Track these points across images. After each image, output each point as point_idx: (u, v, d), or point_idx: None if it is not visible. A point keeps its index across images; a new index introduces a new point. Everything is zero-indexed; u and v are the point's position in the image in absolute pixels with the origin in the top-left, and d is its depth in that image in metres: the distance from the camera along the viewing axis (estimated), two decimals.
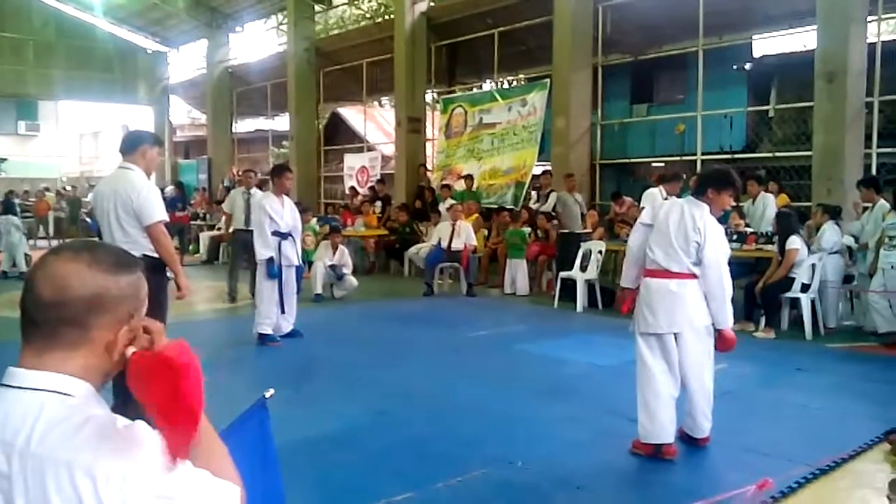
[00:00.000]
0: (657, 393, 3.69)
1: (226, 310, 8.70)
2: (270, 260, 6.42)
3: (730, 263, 3.81)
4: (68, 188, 22.09)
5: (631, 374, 3.92)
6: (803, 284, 6.88)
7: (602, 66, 11.86)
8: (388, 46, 14.21)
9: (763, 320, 6.99)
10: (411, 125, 13.88)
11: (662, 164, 12.48)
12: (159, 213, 4.02)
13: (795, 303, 7.01)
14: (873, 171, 8.70)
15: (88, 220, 16.89)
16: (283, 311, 6.54)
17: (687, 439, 3.86)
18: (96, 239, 4.12)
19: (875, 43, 8.74)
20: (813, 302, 6.90)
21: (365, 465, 3.61)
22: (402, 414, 4.48)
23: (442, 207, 11.34)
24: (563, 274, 8.75)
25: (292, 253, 6.60)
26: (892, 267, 6.49)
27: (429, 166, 14.36)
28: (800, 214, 7.91)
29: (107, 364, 1.10)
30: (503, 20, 12.69)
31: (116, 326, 1.09)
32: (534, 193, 11.69)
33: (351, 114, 20.73)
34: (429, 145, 14.77)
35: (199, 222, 15.94)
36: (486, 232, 11.06)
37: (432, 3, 14.35)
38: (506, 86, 16.03)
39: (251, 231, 7.23)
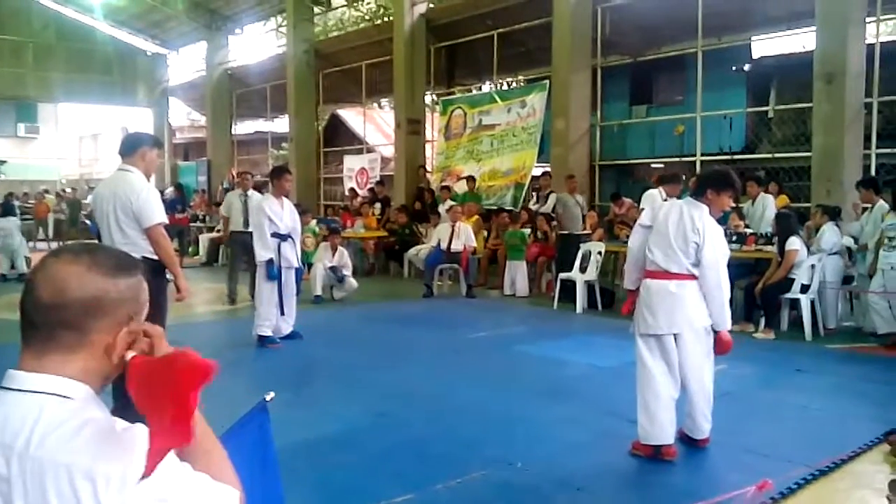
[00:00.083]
0: (657, 394, 3.69)
1: (225, 312, 8.70)
2: (270, 262, 6.42)
3: (729, 265, 3.81)
4: (68, 190, 22.06)
5: (631, 376, 3.92)
6: (803, 285, 6.88)
7: (601, 67, 11.86)
8: (387, 48, 14.21)
9: (763, 321, 6.99)
10: (411, 127, 13.89)
11: (662, 165, 12.48)
12: (159, 215, 4.03)
13: (795, 304, 7.01)
14: (872, 172, 8.70)
15: (88, 222, 16.88)
16: (282, 313, 6.54)
17: (687, 440, 3.86)
18: (96, 241, 4.13)
19: (874, 44, 8.75)
20: (812, 303, 6.90)
21: (365, 466, 3.61)
22: (401, 415, 4.48)
23: (441, 209, 11.34)
24: (562, 275, 8.75)
25: (292, 255, 6.60)
26: (892, 268, 6.48)
27: (428, 168, 14.37)
28: (799, 215, 7.91)
29: (106, 367, 1.10)
30: (502, 22, 12.70)
31: (115, 329, 1.09)
32: (533, 194, 11.69)
33: (350, 115, 20.74)
34: (428, 147, 14.77)
35: (198, 224, 15.94)
36: (485, 233, 11.07)
37: (431, 5, 14.36)
38: (505, 87, 16.05)
39: (249, 233, 7.23)
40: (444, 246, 9.77)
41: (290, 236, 6.58)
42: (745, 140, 12.68)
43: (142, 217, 3.96)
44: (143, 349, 1.11)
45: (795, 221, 7.15)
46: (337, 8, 19.22)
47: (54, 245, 16.31)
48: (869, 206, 7.19)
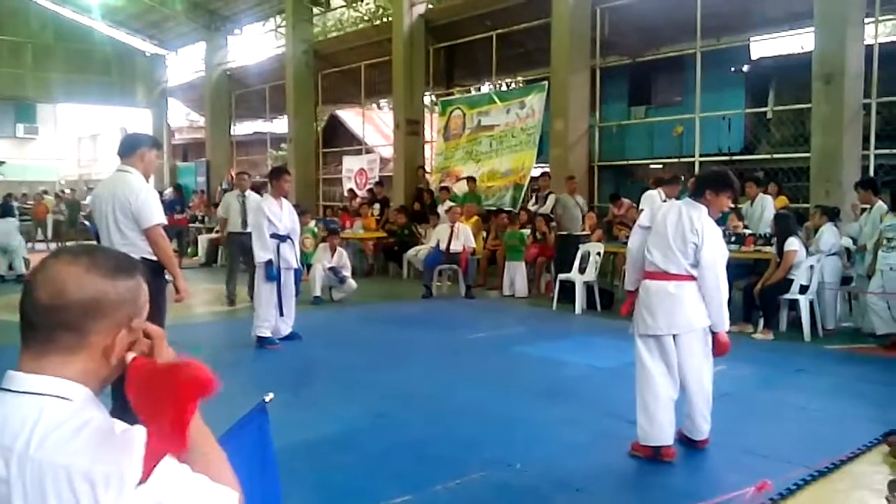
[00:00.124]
0: (656, 395, 3.69)
1: (224, 313, 8.69)
2: (269, 262, 6.42)
3: (728, 265, 3.81)
4: (67, 191, 22.06)
5: (630, 376, 3.92)
6: (802, 286, 6.89)
7: (600, 68, 11.87)
8: (386, 49, 14.21)
9: (762, 322, 6.99)
10: (410, 127, 13.89)
11: (661, 166, 12.49)
12: (157, 216, 4.03)
13: (794, 304, 7.01)
14: (871, 173, 8.70)
15: (87, 223, 16.87)
16: (281, 314, 6.54)
17: (686, 441, 3.86)
18: (95, 242, 4.13)
19: (872, 45, 8.76)
20: (811, 303, 6.90)
21: (364, 467, 3.61)
22: (400, 416, 4.48)
23: (440, 209, 11.35)
24: (561, 276, 8.75)
25: (291, 255, 6.60)
26: (891, 268, 6.49)
27: (427, 168, 14.37)
28: (798, 216, 7.92)
29: (105, 369, 1.10)
30: (501, 22, 12.70)
31: (115, 331, 1.09)
32: (532, 195, 11.69)
33: (349, 116, 20.73)
34: (427, 147, 14.77)
35: (197, 225, 15.93)
36: (484, 234, 11.07)
37: (430, 6, 14.36)
38: (504, 88, 16.06)
39: (248, 234, 7.23)
40: (443, 247, 9.77)
41: (289, 237, 6.58)
42: (744, 141, 12.68)
43: (141, 218, 3.96)
44: (143, 350, 1.11)
45: (794, 222, 7.15)
46: (336, 9, 19.23)
47: (53, 246, 16.31)
48: (868, 206, 7.19)
